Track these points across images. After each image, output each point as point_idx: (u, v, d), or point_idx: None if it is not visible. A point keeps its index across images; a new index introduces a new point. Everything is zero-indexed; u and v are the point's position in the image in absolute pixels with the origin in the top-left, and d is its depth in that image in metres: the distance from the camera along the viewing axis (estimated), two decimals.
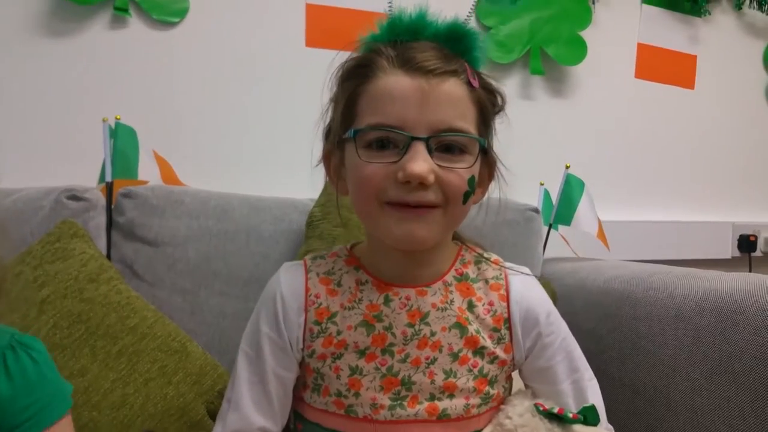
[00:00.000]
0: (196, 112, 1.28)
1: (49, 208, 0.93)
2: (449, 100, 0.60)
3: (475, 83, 0.62)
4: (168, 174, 1.14)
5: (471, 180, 0.61)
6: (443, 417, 0.64)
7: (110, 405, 0.75)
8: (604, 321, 0.96)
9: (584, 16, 1.55)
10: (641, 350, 0.89)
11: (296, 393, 0.68)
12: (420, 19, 0.62)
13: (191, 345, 0.88)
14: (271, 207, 1.08)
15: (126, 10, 1.22)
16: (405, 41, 0.62)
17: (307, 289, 0.67)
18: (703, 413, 0.80)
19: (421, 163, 0.58)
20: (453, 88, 0.60)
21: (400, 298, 0.66)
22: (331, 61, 1.18)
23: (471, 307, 0.67)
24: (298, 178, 1.14)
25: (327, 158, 0.69)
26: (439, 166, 0.59)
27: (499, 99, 0.66)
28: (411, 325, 0.65)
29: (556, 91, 1.59)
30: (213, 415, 0.83)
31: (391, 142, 0.60)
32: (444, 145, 0.60)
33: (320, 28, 1.36)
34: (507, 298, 0.68)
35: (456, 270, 0.69)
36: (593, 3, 1.58)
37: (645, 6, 1.68)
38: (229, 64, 1.31)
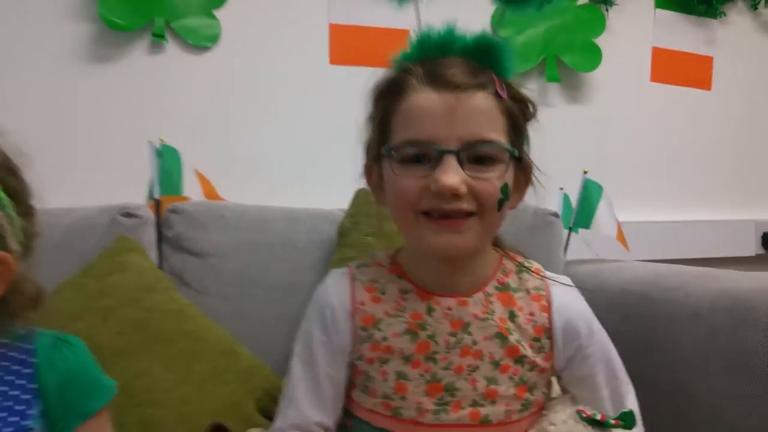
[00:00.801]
0: (232, 131, 1.36)
1: (105, 225, 1.01)
2: (477, 113, 0.63)
3: (503, 94, 0.64)
4: (208, 190, 1.22)
5: (504, 188, 0.64)
6: (485, 422, 0.67)
7: (172, 402, 0.82)
8: (624, 321, 0.99)
9: (598, 23, 1.60)
10: (660, 348, 0.92)
11: (347, 391, 0.72)
12: (448, 35, 0.66)
13: (239, 348, 0.95)
14: (303, 218, 1.15)
15: (163, 36, 1.31)
16: (434, 58, 0.65)
17: (353, 297, 0.71)
18: (723, 408, 0.82)
19: (452, 175, 0.61)
20: (481, 101, 0.63)
21: (442, 308, 0.69)
22: (355, 77, 1.26)
23: (512, 317, 0.70)
24: (327, 190, 1.22)
25: (368, 172, 0.73)
26: (472, 176, 0.62)
27: (530, 107, 0.69)
28: (453, 334, 0.68)
29: (572, 97, 1.64)
30: (261, 411, 0.91)
31: (425, 156, 0.63)
32: (475, 156, 0.63)
33: (343, 46, 1.43)
34: (548, 309, 0.71)
35: (497, 280, 0.71)
36: (607, 10, 1.62)
37: (659, 10, 1.72)
38: (259, 84, 1.39)
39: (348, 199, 1.14)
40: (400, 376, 0.68)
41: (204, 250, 1.06)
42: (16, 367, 0.62)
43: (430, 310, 0.69)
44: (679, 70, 1.75)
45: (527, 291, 0.72)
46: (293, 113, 1.41)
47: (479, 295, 0.70)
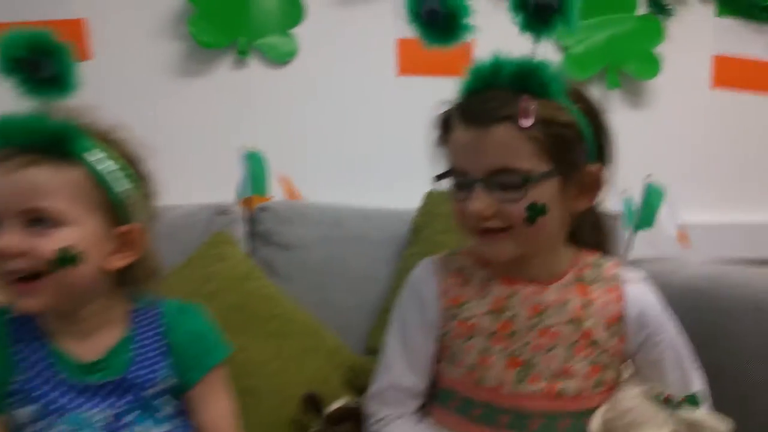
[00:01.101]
0: (309, 137, 1.47)
1: (204, 221, 1.13)
2: (498, 145, 0.70)
3: (527, 123, 0.69)
4: (290, 190, 1.33)
5: (531, 206, 0.70)
6: (560, 395, 0.75)
7: (267, 374, 0.93)
8: (688, 314, 1.02)
9: (657, 33, 1.64)
10: (725, 338, 0.96)
11: (434, 364, 0.81)
12: (494, 66, 0.71)
13: (324, 330, 1.05)
14: (376, 216, 1.25)
15: (246, 53, 1.44)
16: (478, 90, 0.73)
17: (442, 281, 0.80)
18: None
19: (476, 202, 0.71)
20: (502, 133, 0.69)
21: (522, 294, 0.76)
22: (421, 86, 1.34)
23: (587, 305, 0.76)
24: (398, 191, 1.31)
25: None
26: (499, 199, 0.71)
27: (572, 128, 0.72)
28: (532, 317, 0.76)
29: (633, 104, 1.68)
30: (345, 385, 1.00)
31: (463, 184, 0.74)
32: (500, 182, 0.71)
33: (410, 59, 1.52)
34: (622, 299, 0.77)
35: (575, 272, 0.78)
36: (667, 19, 1.66)
37: (719, 18, 1.74)
38: (333, 94, 1.50)
39: (416, 199, 1.23)
40: (484, 350, 0.76)
41: (290, 244, 1.17)
42: (149, 328, 0.75)
43: (511, 295, 0.77)
44: (741, 76, 1.76)
45: (602, 283, 0.78)
46: (364, 120, 1.51)
47: (557, 285, 0.77)
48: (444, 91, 1.24)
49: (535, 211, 0.71)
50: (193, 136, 1.42)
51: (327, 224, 1.20)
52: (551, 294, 0.77)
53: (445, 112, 0.76)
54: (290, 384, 0.85)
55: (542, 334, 0.75)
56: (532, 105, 0.69)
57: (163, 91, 1.41)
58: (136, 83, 1.40)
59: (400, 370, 0.80)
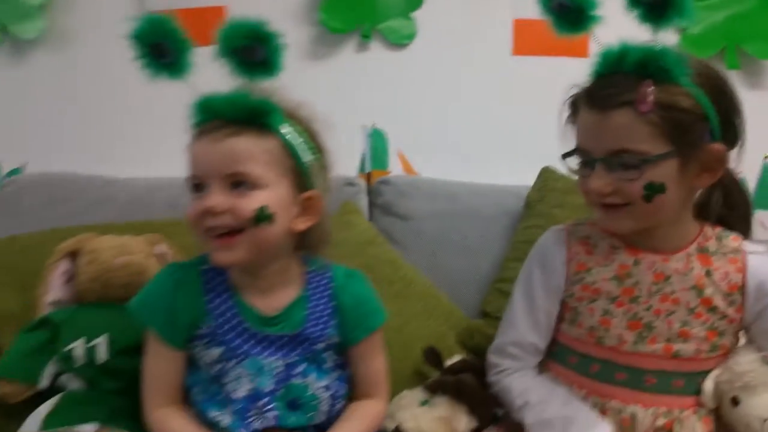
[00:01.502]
0: (427, 115, 1.56)
1: (333, 191, 1.26)
2: (618, 128, 0.75)
3: (644, 108, 0.74)
4: (407, 166, 1.45)
5: (648, 185, 0.76)
6: (676, 356, 0.81)
7: (392, 329, 1.03)
8: None
9: None
10: None
11: (556, 324, 0.89)
12: (620, 52, 0.76)
13: (440, 293, 1.17)
14: (489, 192, 1.34)
15: (369, 36, 1.54)
16: (604, 74, 0.78)
17: (568, 248, 0.87)
18: None
19: (596, 180, 0.78)
20: (621, 117, 0.75)
21: (647, 262, 0.82)
22: (536, 66, 1.38)
23: (708, 274, 0.81)
24: (510, 168, 1.39)
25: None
26: (618, 179, 0.76)
27: (691, 113, 0.75)
28: (655, 284, 0.82)
29: (753, 84, 1.63)
30: (460, 344, 1.12)
31: (587, 162, 0.80)
32: (619, 162, 0.76)
33: (525, 39, 1.57)
34: (743, 270, 0.82)
35: (698, 243, 0.83)
36: None
37: None
38: (450, 74, 1.57)
39: (526, 177, 1.30)
40: (606, 312, 0.83)
41: (407, 215, 1.28)
42: (321, 289, 0.85)
43: (636, 263, 0.83)
44: None
45: (724, 254, 0.83)
46: (480, 100, 1.57)
47: (681, 255, 0.83)
48: (557, 70, 1.30)
49: (653, 190, 0.76)
50: (319, 114, 1.55)
51: (442, 198, 1.30)
52: (674, 263, 0.82)
53: (574, 94, 0.82)
54: (412, 339, 0.96)
55: (663, 299, 0.82)
56: (651, 91, 0.73)
57: (294, 74, 1.54)
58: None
59: (524, 328, 0.88)
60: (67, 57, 1.49)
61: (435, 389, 0.90)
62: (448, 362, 1.01)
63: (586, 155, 0.80)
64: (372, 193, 1.34)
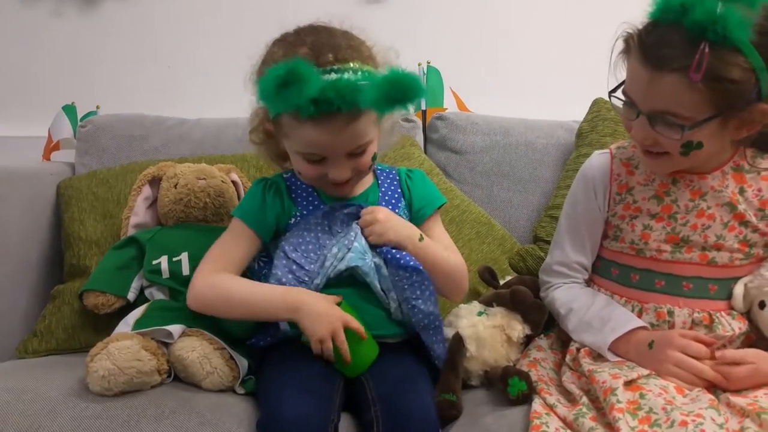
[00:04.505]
0: (479, 53, 1.58)
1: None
2: (665, 91, 0.75)
3: (697, 78, 0.72)
4: (460, 103, 1.48)
5: (686, 144, 0.78)
6: (712, 263, 0.86)
7: None
8: None
9: None
10: None
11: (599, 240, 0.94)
12: (682, 6, 0.72)
13: (493, 221, 1.22)
14: (541, 126, 1.36)
15: None
16: (663, 24, 0.75)
17: (611, 169, 0.92)
18: None
19: (637, 131, 0.80)
20: (671, 82, 0.74)
21: (684, 180, 0.87)
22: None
23: (742, 191, 0.86)
24: (561, 103, 1.40)
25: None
26: (658, 133, 0.78)
27: (743, 83, 0.73)
28: (692, 200, 0.86)
29: None
30: (512, 267, 1.17)
31: (632, 110, 0.80)
32: (661, 121, 0.77)
33: None
34: None
35: (734, 162, 0.87)
36: None
37: None
38: (501, 15, 1.59)
39: (577, 112, 1.32)
40: (646, 227, 0.88)
41: (462, 149, 1.33)
42: (389, 179, 1.01)
43: (675, 182, 0.88)
44: None
45: (758, 172, 0.87)
46: (528, 39, 1.58)
47: (717, 173, 0.87)
48: (607, 7, 1.29)
49: (690, 147, 0.79)
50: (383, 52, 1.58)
51: (496, 133, 1.34)
52: (710, 180, 0.86)
53: (629, 33, 0.80)
54: (466, 262, 1.00)
55: (700, 215, 0.86)
56: (706, 60, 0.71)
57: (352, 12, 1.57)
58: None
59: (569, 248, 0.94)
60: (139, 3, 1.57)
61: (490, 301, 0.96)
62: (501, 282, 1.06)
63: (632, 102, 0.81)
64: (428, 129, 1.38)
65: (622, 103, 0.83)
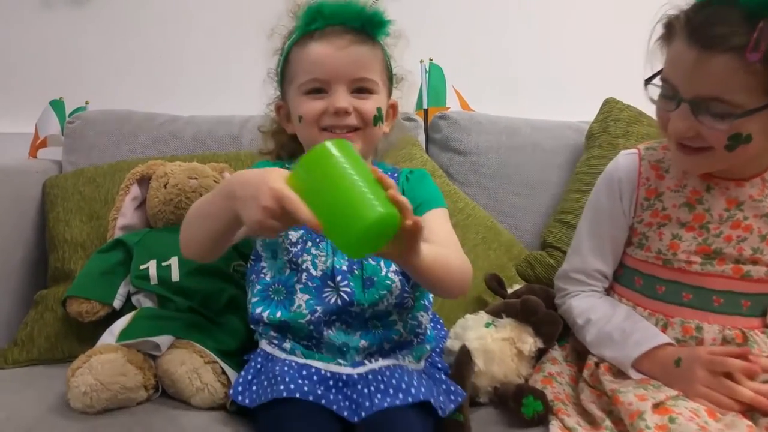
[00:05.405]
0: (482, 53, 1.54)
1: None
2: (717, 74, 0.68)
3: (754, 58, 0.65)
4: (463, 102, 1.42)
5: (734, 136, 0.70)
6: (746, 277, 0.79)
7: None
8: None
9: None
10: None
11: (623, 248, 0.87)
12: None
13: (499, 226, 1.16)
14: (549, 127, 1.31)
15: None
16: (715, 3, 0.69)
17: (639, 172, 0.85)
18: None
19: (679, 122, 0.72)
20: (723, 63, 0.67)
21: (720, 188, 0.80)
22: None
23: None
24: (568, 102, 1.36)
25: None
26: (701, 123, 0.70)
27: None
28: (727, 210, 0.80)
29: None
30: (519, 274, 1.11)
31: (672, 96, 0.73)
32: (708, 109, 0.70)
33: None
34: None
35: None
36: None
37: None
38: (505, 11, 1.53)
39: (585, 113, 1.27)
40: (675, 237, 0.82)
41: (466, 150, 1.27)
42: (392, 177, 0.88)
43: (709, 189, 0.81)
44: None
45: None
46: (534, 36, 1.53)
47: (756, 180, 0.80)
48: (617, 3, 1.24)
49: (738, 141, 0.71)
50: None
51: (501, 133, 1.28)
52: (749, 188, 0.80)
53: (672, 15, 0.74)
54: (473, 268, 0.94)
55: (735, 226, 0.80)
56: (765, 39, 0.65)
57: None
58: None
59: (588, 255, 0.88)
60: None
61: (499, 312, 0.90)
62: (509, 291, 1.01)
63: (673, 90, 0.73)
64: (430, 128, 1.33)
65: (659, 93, 0.75)
